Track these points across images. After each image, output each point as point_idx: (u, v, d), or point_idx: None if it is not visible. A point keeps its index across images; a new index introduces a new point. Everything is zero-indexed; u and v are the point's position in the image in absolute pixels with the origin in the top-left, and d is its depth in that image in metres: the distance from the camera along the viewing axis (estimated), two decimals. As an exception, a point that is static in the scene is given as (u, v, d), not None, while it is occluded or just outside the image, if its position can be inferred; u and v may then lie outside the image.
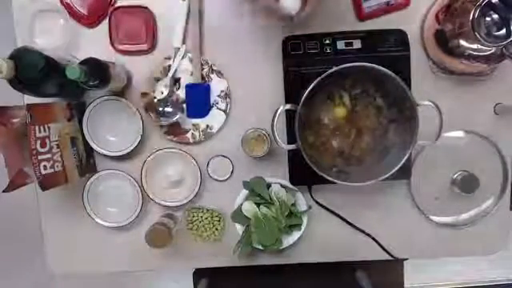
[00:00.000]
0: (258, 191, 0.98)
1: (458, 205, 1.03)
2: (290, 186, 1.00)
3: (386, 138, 0.94)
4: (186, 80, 1.00)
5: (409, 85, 0.88)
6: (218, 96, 1.00)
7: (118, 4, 0.99)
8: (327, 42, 0.93)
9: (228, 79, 0.99)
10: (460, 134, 1.01)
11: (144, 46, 0.99)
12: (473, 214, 1.04)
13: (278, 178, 1.00)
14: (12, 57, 0.79)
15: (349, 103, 0.94)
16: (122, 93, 1.00)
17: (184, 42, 0.98)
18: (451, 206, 1.03)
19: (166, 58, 0.99)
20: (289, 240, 1.01)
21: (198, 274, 1.24)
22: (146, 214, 1.04)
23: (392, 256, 1.05)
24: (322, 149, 0.95)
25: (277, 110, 0.82)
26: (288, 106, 0.84)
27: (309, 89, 0.82)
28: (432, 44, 0.95)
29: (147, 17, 0.98)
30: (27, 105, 0.84)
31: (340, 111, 0.94)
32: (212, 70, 0.99)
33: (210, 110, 1.00)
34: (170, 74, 0.98)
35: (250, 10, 0.98)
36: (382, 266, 1.19)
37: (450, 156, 1.01)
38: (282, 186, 0.99)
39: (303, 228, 1.00)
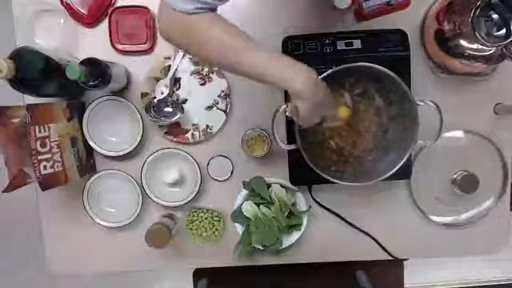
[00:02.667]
0: (258, 191, 0.98)
1: (458, 205, 1.03)
2: (290, 186, 1.00)
3: (386, 137, 0.94)
4: (186, 80, 1.01)
5: (409, 85, 0.88)
6: (218, 96, 1.00)
7: (118, 4, 0.99)
8: (327, 41, 0.93)
9: (228, 79, 0.99)
10: (460, 133, 1.01)
11: (144, 46, 0.99)
12: (473, 214, 1.04)
13: (278, 178, 1.00)
14: (12, 57, 0.79)
15: (350, 103, 0.93)
16: (121, 93, 1.00)
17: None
18: (451, 206, 1.03)
19: (166, 58, 0.99)
20: (289, 240, 1.01)
21: (198, 273, 1.24)
22: (146, 213, 1.04)
23: (392, 256, 1.05)
24: (321, 149, 0.95)
25: (277, 110, 0.82)
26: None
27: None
28: (432, 44, 0.95)
29: (147, 17, 0.98)
30: (27, 105, 0.84)
31: (343, 111, 0.93)
32: (212, 70, 0.99)
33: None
34: (170, 74, 0.98)
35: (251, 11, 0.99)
36: (382, 265, 1.19)
37: (450, 156, 1.01)
38: (282, 186, 0.99)
39: (303, 228, 1.00)
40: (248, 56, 0.66)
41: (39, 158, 0.84)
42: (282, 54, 0.70)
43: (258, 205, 0.98)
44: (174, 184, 1.01)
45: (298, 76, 0.66)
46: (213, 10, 0.67)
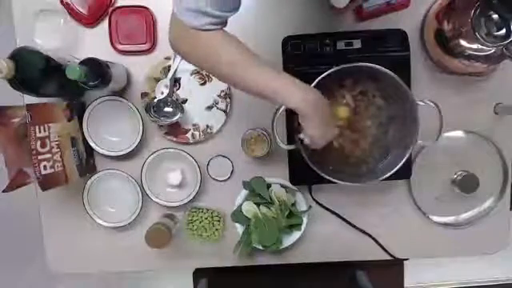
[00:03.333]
0: (258, 191, 0.98)
1: (457, 205, 1.03)
2: (290, 185, 1.00)
3: (386, 137, 0.94)
4: (186, 80, 1.00)
5: (409, 85, 0.88)
6: (218, 96, 1.00)
7: (118, 4, 0.99)
8: (327, 41, 0.93)
9: (228, 79, 0.99)
10: (460, 133, 1.01)
11: (144, 46, 0.99)
12: (473, 214, 1.04)
13: (277, 178, 1.00)
14: (12, 57, 0.79)
15: (352, 103, 0.93)
16: (122, 93, 1.00)
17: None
18: (451, 205, 1.03)
19: (165, 58, 0.99)
20: (289, 240, 1.00)
21: (198, 274, 1.24)
22: (146, 213, 1.04)
23: (392, 256, 1.05)
24: (321, 148, 0.95)
25: (277, 110, 0.82)
26: (288, 106, 0.84)
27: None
28: (432, 44, 0.95)
29: (147, 17, 0.98)
30: (27, 105, 0.84)
31: (344, 111, 0.93)
32: (212, 69, 0.99)
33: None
34: (170, 74, 0.98)
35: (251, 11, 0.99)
36: (382, 265, 1.19)
37: (450, 156, 1.01)
38: (282, 185, 0.99)
39: (303, 228, 1.00)
40: (253, 72, 0.68)
41: (39, 157, 0.84)
42: (284, 72, 0.72)
43: (258, 205, 0.98)
44: (174, 184, 1.01)
45: (298, 93, 0.68)
46: (223, 23, 0.69)
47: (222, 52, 0.68)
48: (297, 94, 0.68)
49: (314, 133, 0.73)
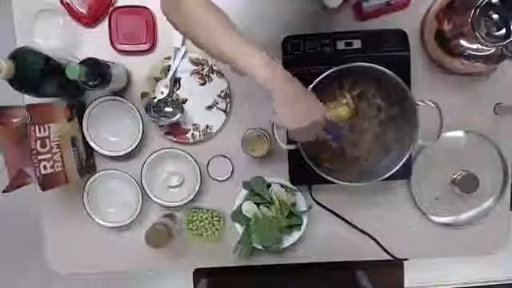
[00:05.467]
0: (257, 191, 0.98)
1: (458, 205, 1.03)
2: (290, 185, 1.00)
3: (386, 137, 0.94)
4: (186, 80, 1.01)
5: (409, 85, 0.88)
6: (218, 96, 1.00)
7: (118, 4, 0.99)
8: (327, 41, 0.93)
9: (228, 79, 0.99)
10: (460, 134, 1.01)
11: (144, 46, 0.99)
12: (473, 214, 1.04)
13: (278, 178, 1.00)
14: (12, 57, 0.79)
15: (352, 103, 0.93)
16: (121, 93, 1.00)
17: (184, 42, 0.98)
18: (451, 205, 1.03)
19: (165, 58, 0.99)
20: (289, 240, 1.00)
21: (198, 274, 1.24)
22: (146, 214, 1.04)
23: (392, 256, 1.05)
24: (322, 149, 0.95)
25: (277, 110, 0.82)
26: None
27: (308, 89, 0.82)
28: (432, 44, 0.95)
29: (147, 17, 0.98)
30: (27, 105, 0.84)
31: (344, 111, 0.93)
32: (212, 70, 0.99)
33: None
34: (170, 74, 0.98)
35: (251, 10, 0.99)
36: (382, 266, 1.19)
37: (449, 156, 1.01)
38: (282, 185, 0.99)
39: (303, 228, 1.00)
40: (226, 42, 0.68)
41: (39, 157, 0.84)
42: (255, 46, 0.69)
43: (258, 205, 0.98)
44: (174, 184, 1.01)
45: (264, 69, 0.67)
46: None
47: (202, 18, 0.69)
48: (262, 70, 0.67)
49: (282, 112, 0.70)
